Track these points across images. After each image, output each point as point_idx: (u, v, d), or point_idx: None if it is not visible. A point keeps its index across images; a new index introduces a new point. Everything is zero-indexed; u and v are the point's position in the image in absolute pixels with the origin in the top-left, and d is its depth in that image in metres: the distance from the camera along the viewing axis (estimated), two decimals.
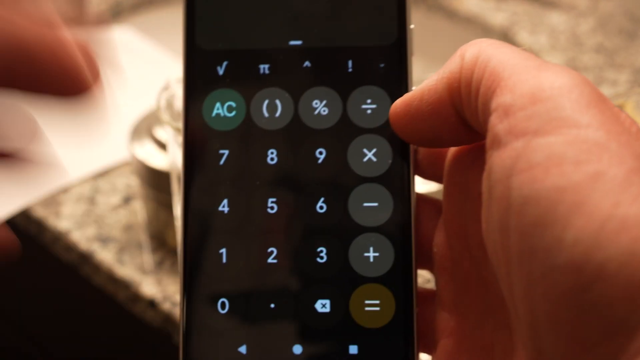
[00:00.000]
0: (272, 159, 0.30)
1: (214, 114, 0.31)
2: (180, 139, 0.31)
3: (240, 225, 0.30)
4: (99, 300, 0.58)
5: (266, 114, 0.30)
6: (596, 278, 0.20)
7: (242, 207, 0.30)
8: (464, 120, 0.26)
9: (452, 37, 0.89)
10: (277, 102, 0.31)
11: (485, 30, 0.86)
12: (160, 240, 0.58)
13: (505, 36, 0.84)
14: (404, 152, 0.30)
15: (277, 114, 0.30)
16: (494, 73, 0.24)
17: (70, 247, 0.59)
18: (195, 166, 0.30)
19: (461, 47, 0.27)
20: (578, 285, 0.20)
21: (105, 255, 0.57)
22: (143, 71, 0.73)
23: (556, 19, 0.86)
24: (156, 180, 0.55)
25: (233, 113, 0.31)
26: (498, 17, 0.86)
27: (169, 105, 0.49)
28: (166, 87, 0.50)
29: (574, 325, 0.20)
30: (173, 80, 0.50)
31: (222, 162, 0.30)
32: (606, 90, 0.72)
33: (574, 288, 0.20)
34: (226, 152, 0.30)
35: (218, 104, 0.31)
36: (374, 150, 0.30)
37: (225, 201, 0.30)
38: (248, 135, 0.30)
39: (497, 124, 0.23)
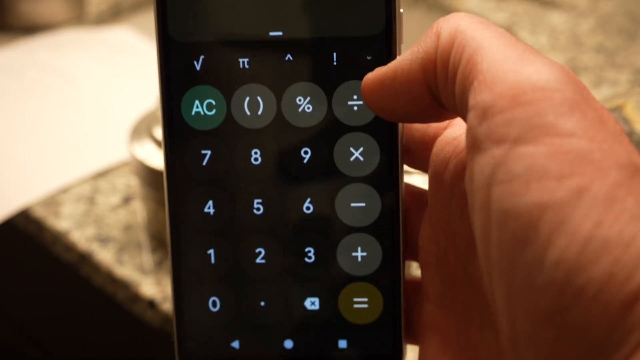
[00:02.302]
0: (256, 159, 0.29)
1: (193, 112, 0.29)
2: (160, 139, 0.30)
3: (227, 227, 0.30)
4: (99, 300, 0.58)
5: (248, 112, 0.29)
6: (576, 300, 0.19)
7: (228, 208, 0.30)
8: (439, 100, 0.25)
9: None
10: (259, 99, 0.29)
11: None
12: (159, 240, 0.58)
13: None
14: (392, 150, 0.29)
15: (259, 112, 0.29)
16: (471, 61, 0.23)
17: (70, 247, 0.59)
18: (177, 168, 0.30)
19: (437, 21, 0.25)
20: (558, 305, 0.20)
21: (105, 256, 0.57)
22: (143, 71, 0.73)
23: (556, 18, 0.86)
24: (156, 180, 0.55)
25: (213, 111, 0.29)
26: (498, 17, 0.86)
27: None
28: None
29: (554, 345, 0.20)
30: None
31: (204, 162, 0.29)
32: (606, 90, 0.72)
33: (554, 308, 0.20)
34: (209, 152, 0.29)
35: (197, 102, 0.29)
36: (361, 149, 0.29)
37: (210, 202, 0.29)
38: (230, 134, 0.29)
39: (475, 126, 0.22)
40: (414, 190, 0.30)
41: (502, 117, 0.21)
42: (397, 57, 0.26)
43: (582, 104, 0.21)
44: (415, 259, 0.30)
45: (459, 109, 0.24)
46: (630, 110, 0.58)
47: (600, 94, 0.71)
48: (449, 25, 0.25)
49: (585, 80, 0.74)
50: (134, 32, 0.79)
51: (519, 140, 0.21)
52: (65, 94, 0.70)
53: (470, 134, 0.22)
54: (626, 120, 0.47)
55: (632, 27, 0.84)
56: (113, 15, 0.89)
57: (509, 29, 0.22)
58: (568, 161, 0.20)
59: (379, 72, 0.27)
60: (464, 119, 0.23)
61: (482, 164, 0.22)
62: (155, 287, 0.55)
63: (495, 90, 0.22)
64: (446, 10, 0.90)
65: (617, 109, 0.47)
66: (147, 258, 0.57)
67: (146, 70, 0.72)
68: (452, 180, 0.27)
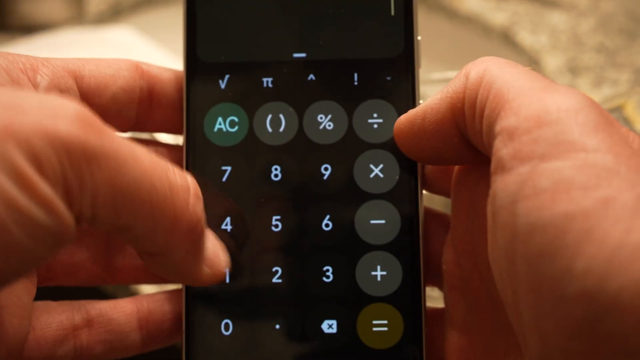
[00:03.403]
0: (276, 175, 0.29)
1: (216, 129, 0.30)
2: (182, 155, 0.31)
3: (244, 244, 0.29)
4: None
5: (270, 129, 0.30)
6: (609, 308, 0.19)
7: (246, 224, 0.29)
8: (468, 141, 0.25)
9: (452, 37, 0.89)
10: (281, 116, 0.30)
11: (485, 30, 0.86)
12: None
13: (506, 36, 0.84)
14: (412, 167, 0.29)
15: (281, 129, 0.30)
16: (498, 95, 0.23)
17: None
18: (197, 183, 0.29)
19: (467, 65, 0.26)
20: (591, 315, 0.19)
21: None
22: None
23: (557, 18, 0.86)
24: None
25: (236, 128, 0.30)
26: (498, 17, 0.86)
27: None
28: None
29: (588, 356, 0.20)
30: None
31: (224, 178, 0.29)
32: (607, 90, 0.72)
33: (587, 319, 0.19)
34: (229, 168, 0.29)
35: (220, 119, 0.30)
36: (381, 166, 0.29)
37: (228, 219, 0.29)
38: (251, 150, 0.30)
39: (501, 148, 0.22)
40: (435, 213, 0.30)
41: (527, 136, 0.22)
42: (428, 99, 0.27)
43: (606, 124, 0.22)
44: (439, 284, 0.29)
45: (486, 143, 0.24)
46: (630, 110, 0.58)
47: (600, 93, 0.71)
48: (476, 66, 0.25)
49: (586, 80, 0.74)
50: (134, 32, 0.79)
51: (545, 156, 0.21)
52: None
53: (496, 157, 0.23)
54: (627, 120, 0.47)
55: (633, 27, 0.84)
56: (113, 15, 0.89)
57: (535, 68, 0.23)
58: (594, 173, 0.20)
59: (410, 113, 0.27)
60: (491, 148, 0.23)
61: (507, 182, 0.22)
62: (155, 287, 0.54)
63: (521, 114, 0.22)
64: (446, 10, 0.90)
65: (618, 109, 0.47)
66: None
67: None
68: (475, 201, 0.27)
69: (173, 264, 0.25)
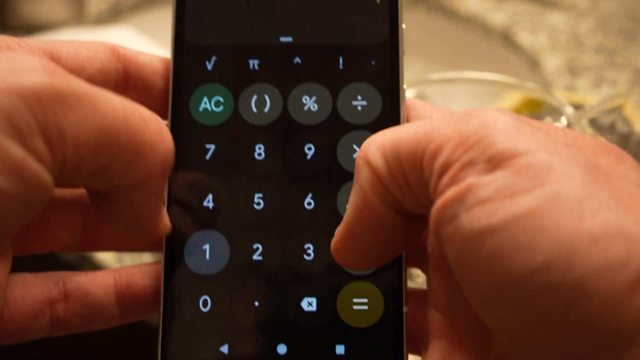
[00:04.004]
0: (259, 154, 0.30)
1: (201, 108, 0.30)
2: None
3: (225, 221, 0.29)
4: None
5: (254, 109, 0.30)
6: (576, 296, 0.19)
7: (228, 202, 0.29)
8: (409, 214, 0.25)
9: (452, 37, 0.89)
10: (266, 97, 0.30)
11: (485, 30, 0.86)
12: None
13: (506, 36, 0.84)
14: None
15: (266, 109, 0.30)
16: (410, 154, 0.23)
17: None
18: (180, 160, 0.30)
19: (358, 154, 0.25)
20: (559, 305, 0.20)
21: (105, 256, 0.57)
22: None
23: (556, 18, 0.86)
24: None
25: (220, 108, 0.30)
26: (498, 17, 0.86)
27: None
28: None
29: (562, 346, 0.20)
30: None
31: (208, 156, 0.30)
32: (606, 90, 0.72)
33: (556, 309, 0.20)
34: (212, 146, 0.30)
35: (205, 99, 0.30)
36: None
37: (210, 196, 0.29)
38: (235, 130, 0.30)
39: (438, 183, 0.22)
40: None
41: (459, 162, 0.22)
42: (347, 208, 0.26)
43: (524, 125, 0.22)
44: (422, 266, 0.29)
45: (423, 197, 0.24)
46: (630, 110, 0.58)
47: (600, 93, 0.71)
48: (370, 148, 0.25)
49: (585, 80, 0.74)
50: (134, 32, 0.79)
51: (481, 171, 0.21)
52: None
53: (436, 193, 0.22)
54: (626, 120, 0.47)
55: (632, 27, 0.84)
56: (113, 15, 0.89)
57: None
58: (532, 174, 0.21)
59: (342, 227, 0.26)
60: (429, 198, 0.23)
61: (447, 199, 0.22)
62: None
63: (444, 150, 0.22)
64: (446, 10, 0.90)
65: (617, 109, 0.47)
66: (147, 258, 0.57)
67: None
68: None
69: (141, 204, 0.25)
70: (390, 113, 0.30)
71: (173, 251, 0.29)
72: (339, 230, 0.27)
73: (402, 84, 0.30)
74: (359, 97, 0.30)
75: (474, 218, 0.21)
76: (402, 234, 0.26)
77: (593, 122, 0.46)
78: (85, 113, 0.22)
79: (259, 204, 0.29)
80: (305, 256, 0.29)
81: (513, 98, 0.64)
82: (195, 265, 0.29)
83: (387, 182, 0.24)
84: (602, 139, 0.25)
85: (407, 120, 0.30)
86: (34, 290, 0.28)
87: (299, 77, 0.30)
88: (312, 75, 0.30)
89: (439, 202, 0.22)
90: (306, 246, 0.29)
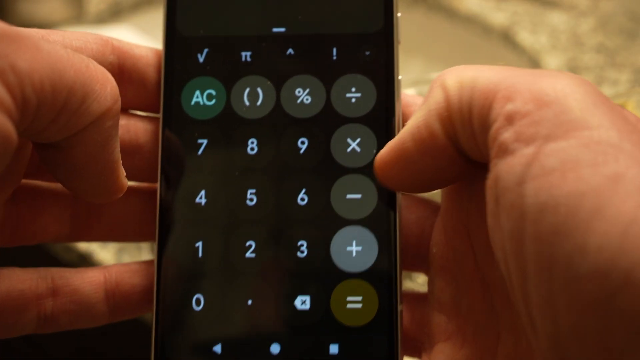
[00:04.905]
0: (252, 149, 0.29)
1: (193, 102, 0.30)
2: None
3: (218, 218, 0.29)
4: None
5: (247, 103, 0.29)
6: (623, 284, 0.19)
7: (220, 198, 0.29)
8: (462, 151, 0.25)
9: (452, 37, 0.89)
10: (259, 90, 0.30)
11: (485, 30, 0.86)
12: None
13: (506, 36, 0.84)
14: (389, 142, 0.28)
15: (259, 103, 0.29)
16: (484, 91, 0.23)
17: (70, 248, 0.59)
18: (172, 156, 0.29)
19: (436, 77, 0.25)
20: (604, 293, 0.19)
21: (105, 256, 0.57)
22: None
23: (557, 18, 0.86)
24: None
25: (213, 101, 0.30)
26: (498, 17, 0.86)
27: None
28: None
29: (601, 334, 0.19)
30: None
31: (200, 151, 0.29)
32: (607, 90, 0.72)
33: (600, 296, 0.19)
34: (205, 141, 0.29)
35: (197, 92, 0.30)
36: (358, 140, 0.29)
37: (202, 192, 0.29)
38: (228, 124, 0.29)
39: (501, 133, 0.22)
40: (422, 199, 0.29)
41: (528, 118, 0.22)
42: (405, 126, 0.26)
43: (603, 100, 0.22)
44: (424, 269, 0.29)
45: (480, 142, 0.24)
46: (631, 110, 0.58)
47: None
48: (450, 74, 0.25)
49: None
50: (134, 32, 0.79)
51: (549, 137, 0.21)
52: None
53: (496, 142, 0.22)
54: None
55: (633, 27, 0.84)
56: (112, 15, 0.89)
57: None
58: (600, 151, 0.20)
59: (393, 143, 0.26)
60: (487, 144, 0.23)
61: (512, 163, 0.21)
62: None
63: (517, 99, 0.22)
64: (446, 10, 0.90)
65: None
66: (146, 258, 0.57)
67: None
68: (470, 183, 0.26)
69: (96, 150, 0.25)
70: (385, 105, 0.29)
71: (165, 249, 0.29)
72: (389, 144, 0.26)
73: (398, 75, 0.29)
74: (353, 89, 0.29)
75: (538, 189, 0.21)
76: (449, 168, 0.26)
77: None
78: (33, 51, 0.22)
79: (252, 199, 0.29)
80: (298, 253, 0.28)
81: None
82: (188, 262, 0.29)
83: (454, 112, 0.24)
84: None
85: (404, 117, 0.29)
86: (20, 285, 0.28)
87: (292, 69, 0.30)
88: (305, 67, 0.30)
89: (504, 165, 0.22)
90: (299, 243, 0.28)
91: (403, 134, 0.26)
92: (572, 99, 0.22)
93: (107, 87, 0.24)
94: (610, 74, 0.75)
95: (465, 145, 0.25)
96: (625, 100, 0.49)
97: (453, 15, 0.89)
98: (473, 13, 0.88)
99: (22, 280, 0.28)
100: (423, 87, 0.51)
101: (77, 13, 0.83)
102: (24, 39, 0.22)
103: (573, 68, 0.76)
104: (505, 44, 0.84)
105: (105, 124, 0.25)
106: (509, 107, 0.22)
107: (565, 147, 0.21)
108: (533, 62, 0.79)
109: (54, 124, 0.23)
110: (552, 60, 0.77)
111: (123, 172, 0.27)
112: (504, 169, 0.22)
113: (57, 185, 0.29)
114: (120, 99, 0.25)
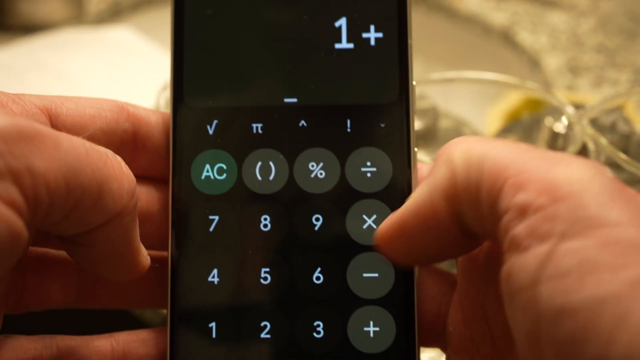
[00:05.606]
0: (265, 225, 0.28)
1: (203, 176, 0.29)
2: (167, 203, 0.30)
3: (231, 298, 0.28)
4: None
5: (259, 177, 0.29)
6: None
7: (234, 277, 0.28)
8: (467, 228, 0.24)
9: (452, 37, 0.89)
10: (271, 164, 0.29)
11: (485, 30, 0.86)
12: None
13: (506, 36, 0.84)
14: None
15: (271, 177, 0.29)
16: (493, 172, 0.22)
17: None
18: (183, 233, 0.28)
19: (442, 150, 0.24)
20: None
21: None
22: (142, 71, 0.72)
23: (557, 18, 0.86)
24: None
25: (224, 176, 0.29)
26: (498, 17, 0.86)
27: (168, 105, 0.49)
28: (165, 87, 0.50)
29: None
30: None
31: (212, 228, 0.28)
32: (607, 90, 0.72)
33: None
34: (216, 217, 0.28)
35: (208, 166, 0.29)
36: (374, 217, 0.28)
37: (215, 271, 0.28)
38: (240, 199, 0.28)
39: (514, 226, 0.21)
40: (438, 271, 0.29)
41: (543, 213, 0.21)
42: (409, 198, 0.25)
43: (620, 192, 0.21)
44: (442, 346, 0.28)
45: (489, 222, 0.23)
46: (630, 110, 0.58)
47: (600, 93, 0.71)
48: (457, 147, 0.24)
49: (586, 80, 0.74)
50: (134, 32, 0.79)
51: (565, 235, 0.20)
52: (65, 93, 0.70)
53: (509, 235, 0.21)
54: (627, 121, 0.47)
55: (633, 27, 0.84)
56: (112, 15, 0.89)
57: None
58: (619, 252, 0.19)
59: (396, 215, 0.25)
60: (497, 228, 0.22)
61: (525, 262, 0.20)
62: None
63: (529, 189, 0.21)
64: (446, 10, 0.90)
65: (618, 109, 0.47)
66: None
67: (146, 70, 0.72)
68: (485, 267, 0.25)
69: (116, 242, 0.25)
70: (402, 180, 0.28)
71: (178, 329, 0.28)
72: (391, 217, 0.26)
73: (414, 147, 0.28)
74: (369, 164, 0.28)
75: (554, 292, 0.20)
76: (453, 243, 0.25)
77: (594, 122, 0.46)
78: (51, 150, 0.22)
79: (265, 278, 0.28)
80: (315, 334, 0.28)
81: (513, 98, 0.63)
82: (202, 344, 0.28)
83: (461, 190, 0.23)
84: None
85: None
86: (24, 354, 0.27)
87: (304, 142, 0.29)
88: (318, 139, 0.29)
89: (517, 262, 0.21)
90: (316, 323, 0.28)
91: (405, 210, 0.25)
92: (589, 193, 0.20)
93: (124, 184, 0.24)
94: (610, 74, 0.75)
95: (472, 223, 0.24)
96: (625, 100, 0.49)
97: (453, 15, 0.89)
98: (473, 13, 0.88)
99: (27, 350, 0.27)
100: (423, 87, 0.51)
101: (77, 13, 0.83)
102: (43, 137, 0.22)
103: (573, 68, 0.76)
104: (505, 44, 0.84)
105: (122, 220, 0.24)
106: (521, 197, 0.21)
107: (582, 247, 0.20)
108: (533, 61, 0.79)
109: (67, 219, 0.23)
110: (552, 60, 0.77)
111: (144, 252, 0.27)
112: (517, 266, 0.21)
113: (64, 253, 0.29)
114: (137, 193, 0.25)
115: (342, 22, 0.29)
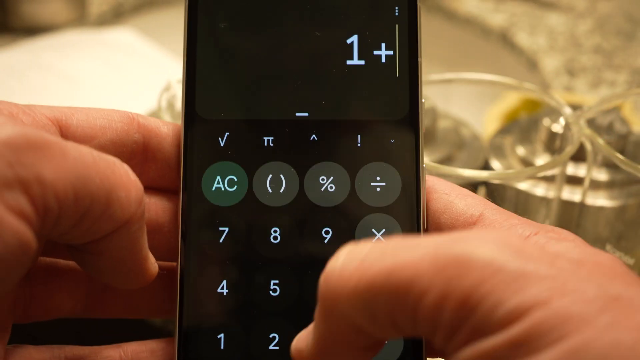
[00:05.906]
0: (275, 238, 0.28)
1: (214, 188, 0.29)
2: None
3: (240, 310, 0.28)
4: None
5: (270, 190, 0.29)
6: None
7: (243, 289, 0.28)
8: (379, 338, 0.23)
9: (450, 39, 0.90)
10: (282, 177, 0.29)
11: (484, 31, 0.87)
12: None
13: (504, 37, 0.85)
14: (414, 233, 0.28)
15: (282, 190, 0.29)
16: (387, 299, 0.21)
17: None
18: (193, 244, 0.29)
19: (319, 289, 0.23)
20: None
21: None
22: (144, 72, 0.73)
23: (555, 20, 0.86)
24: None
25: (234, 187, 0.29)
26: (497, 18, 0.87)
27: (170, 105, 0.49)
28: (167, 88, 0.50)
29: None
30: (174, 81, 0.50)
31: (222, 239, 0.29)
32: (604, 91, 0.72)
33: None
34: (226, 229, 0.29)
35: (219, 178, 0.29)
36: (383, 231, 0.28)
37: (224, 282, 0.28)
38: (250, 211, 0.29)
39: (451, 341, 0.20)
40: None
41: (468, 326, 0.20)
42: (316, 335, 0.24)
43: (527, 260, 0.20)
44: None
45: (412, 329, 0.22)
46: (628, 111, 0.59)
47: (598, 94, 0.71)
48: (333, 294, 0.23)
49: (583, 81, 0.74)
50: (136, 33, 0.79)
51: (495, 336, 0.20)
52: (67, 95, 0.71)
53: (448, 345, 0.21)
54: (624, 121, 0.47)
55: (630, 28, 0.84)
56: (114, 17, 0.89)
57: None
58: (548, 329, 0.19)
59: (307, 346, 0.24)
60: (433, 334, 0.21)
61: None
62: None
63: (445, 309, 0.20)
64: (445, 12, 0.90)
65: (615, 110, 0.48)
66: None
67: (148, 71, 0.73)
68: None
69: (124, 251, 0.25)
70: (411, 195, 0.29)
71: (187, 339, 0.28)
72: (300, 338, 0.25)
73: (422, 163, 0.29)
74: (378, 178, 0.29)
75: None
76: (365, 351, 0.24)
77: (591, 123, 0.46)
78: (59, 159, 0.22)
79: (275, 290, 0.28)
80: None
81: (512, 99, 0.64)
82: (210, 355, 0.28)
83: (363, 326, 0.22)
84: (602, 252, 0.23)
85: (427, 202, 0.29)
86: None
87: (315, 156, 0.29)
88: (329, 153, 0.29)
89: None
90: None
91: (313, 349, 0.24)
92: (500, 285, 0.19)
93: (131, 192, 0.24)
94: (608, 75, 0.75)
95: (387, 336, 0.23)
96: (622, 101, 0.49)
97: (452, 16, 0.90)
98: (472, 14, 0.88)
99: (35, 358, 0.27)
100: (422, 88, 0.52)
101: (80, 15, 0.83)
102: (51, 146, 0.22)
103: (571, 69, 0.77)
104: (503, 45, 0.85)
105: (130, 228, 0.25)
106: (445, 317, 0.20)
107: (513, 336, 0.19)
108: (531, 62, 0.79)
109: (76, 228, 0.23)
110: (550, 61, 0.78)
111: (152, 260, 0.27)
112: None
113: (73, 263, 0.29)
114: (144, 201, 0.25)
115: (354, 39, 0.30)
